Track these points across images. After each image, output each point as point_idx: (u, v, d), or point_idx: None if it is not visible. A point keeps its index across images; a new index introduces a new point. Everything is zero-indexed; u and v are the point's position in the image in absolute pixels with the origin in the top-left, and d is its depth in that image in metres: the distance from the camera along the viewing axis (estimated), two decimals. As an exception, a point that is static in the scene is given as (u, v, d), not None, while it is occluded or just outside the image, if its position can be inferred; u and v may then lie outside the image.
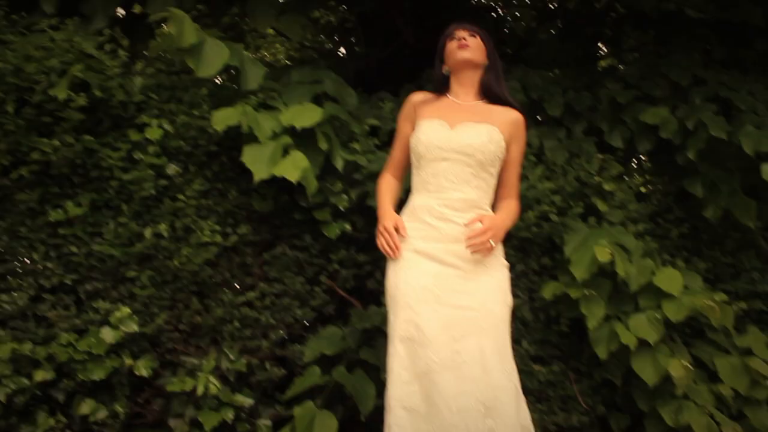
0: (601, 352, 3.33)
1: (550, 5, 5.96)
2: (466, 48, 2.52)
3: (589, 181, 3.65)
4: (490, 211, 2.52)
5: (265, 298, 3.16)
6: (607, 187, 3.68)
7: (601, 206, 3.65)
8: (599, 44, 5.35)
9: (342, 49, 6.37)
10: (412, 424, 2.22)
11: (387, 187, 2.63)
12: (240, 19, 5.61)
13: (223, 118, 2.98)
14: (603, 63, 6.12)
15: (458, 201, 2.39)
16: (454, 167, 2.40)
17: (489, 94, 2.56)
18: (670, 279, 3.42)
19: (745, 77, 4.00)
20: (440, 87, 2.63)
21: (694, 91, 3.90)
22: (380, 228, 2.48)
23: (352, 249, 3.26)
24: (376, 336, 3.18)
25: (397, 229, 2.43)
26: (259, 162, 2.95)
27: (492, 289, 2.37)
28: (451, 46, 2.57)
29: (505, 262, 2.52)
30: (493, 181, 2.51)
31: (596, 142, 3.89)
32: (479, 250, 2.33)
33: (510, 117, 2.52)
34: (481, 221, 2.36)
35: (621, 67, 5.19)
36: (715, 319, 3.49)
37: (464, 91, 2.57)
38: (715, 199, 3.73)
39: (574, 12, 5.60)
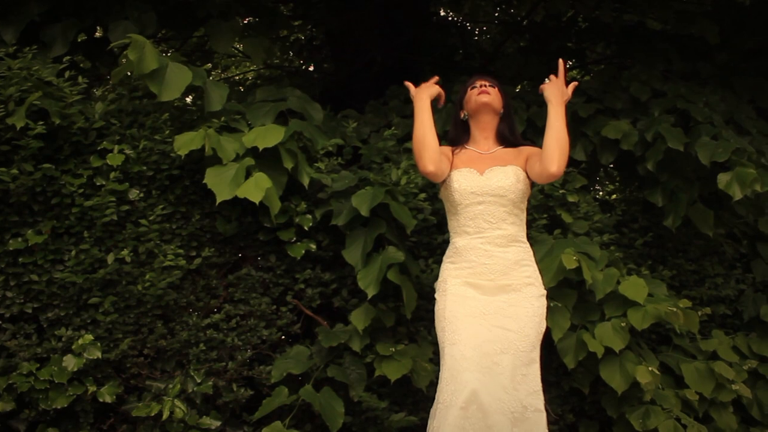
0: (569, 362, 3.38)
1: (517, 19, 6.04)
2: (486, 93, 2.71)
3: (554, 193, 3.70)
4: (528, 243, 2.70)
5: (231, 319, 3.17)
6: (571, 198, 3.74)
7: (566, 218, 3.70)
8: (565, 58, 5.41)
9: (311, 67, 6.41)
10: (456, 420, 2.35)
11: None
12: (207, 41, 5.63)
13: (185, 143, 3.01)
14: (571, 75, 6.21)
15: (499, 238, 2.58)
16: (490, 208, 2.58)
17: (505, 141, 2.75)
18: (634, 287, 3.47)
19: (703, 89, 4.09)
20: (461, 134, 2.80)
21: (654, 103, 3.97)
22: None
23: (317, 268, 3.28)
24: (343, 353, 3.20)
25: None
26: (221, 184, 2.98)
27: (530, 315, 2.55)
28: (472, 93, 2.74)
29: (543, 291, 2.66)
30: (524, 216, 2.71)
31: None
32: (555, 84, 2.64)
33: (524, 150, 2.73)
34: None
35: (587, 78, 5.26)
36: (680, 326, 3.55)
37: (484, 137, 2.75)
38: (675, 209, 3.80)
39: (541, 25, 5.69)
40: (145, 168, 3.08)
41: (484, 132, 2.75)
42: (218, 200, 2.93)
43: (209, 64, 6.06)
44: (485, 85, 2.73)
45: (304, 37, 6.29)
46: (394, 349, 3.13)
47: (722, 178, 3.57)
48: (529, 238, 3.49)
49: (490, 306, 2.53)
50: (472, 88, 2.75)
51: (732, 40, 4.55)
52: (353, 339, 3.14)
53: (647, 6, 4.47)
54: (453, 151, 2.74)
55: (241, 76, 6.67)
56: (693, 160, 3.65)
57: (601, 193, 6.24)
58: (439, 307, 2.60)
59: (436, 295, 2.65)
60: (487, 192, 2.58)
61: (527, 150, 2.72)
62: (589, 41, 5.26)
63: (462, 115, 2.79)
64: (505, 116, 2.77)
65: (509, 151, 2.72)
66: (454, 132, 2.84)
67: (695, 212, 3.86)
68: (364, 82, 5.16)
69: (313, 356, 3.20)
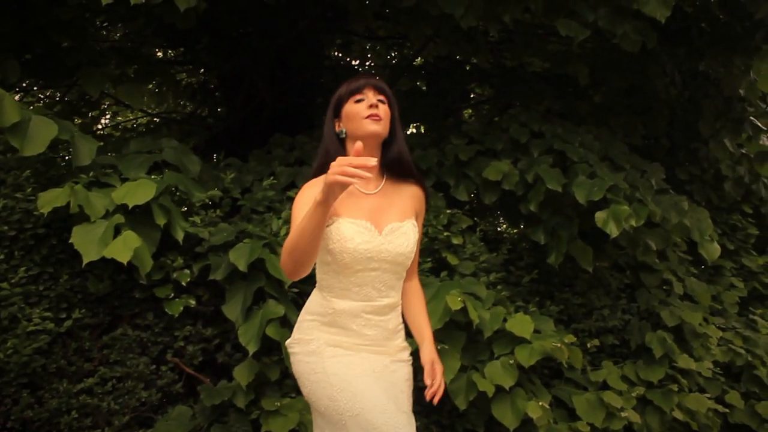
0: (461, 403, 3.40)
1: (409, 61, 6.15)
2: (377, 119, 2.09)
3: (439, 236, 3.74)
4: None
5: (107, 382, 3.01)
6: (455, 240, 3.78)
7: (452, 260, 3.74)
8: (452, 99, 5.54)
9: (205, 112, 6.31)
10: None
11: None
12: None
13: (49, 200, 2.88)
14: (466, 113, 6.38)
15: (385, 307, 2.17)
16: (383, 276, 2.14)
17: (392, 170, 2.20)
18: (521, 324, 3.54)
19: (579, 128, 4.25)
20: (335, 154, 2.09)
21: (533, 143, 4.10)
22: (331, 176, 1.78)
23: (198, 324, 3.18)
24: (228, 411, 3.10)
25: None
26: (89, 243, 2.85)
27: (408, 378, 2.26)
28: (358, 108, 2.11)
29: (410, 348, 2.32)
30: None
31: (445, 197, 4.01)
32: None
33: (417, 194, 2.25)
34: (434, 374, 2.25)
35: (471, 120, 5.40)
36: (565, 360, 3.63)
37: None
38: (556, 246, 3.91)
39: (434, 67, 5.82)
40: (6, 228, 2.91)
41: None
42: (85, 261, 2.81)
43: (97, 111, 5.89)
44: (376, 105, 2.10)
45: (197, 82, 6.19)
46: (279, 404, 3.06)
47: (599, 217, 3.70)
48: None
49: (376, 364, 2.14)
50: (358, 101, 2.11)
51: (606, 79, 4.78)
52: (237, 395, 3.05)
53: (525, 48, 4.64)
54: None
55: (134, 122, 6.50)
56: (572, 198, 3.77)
57: (504, 226, 6.38)
58: (315, 370, 2.11)
59: (301, 357, 2.16)
60: (385, 258, 2.11)
61: (418, 193, 2.25)
62: (475, 82, 5.40)
63: (338, 129, 2.15)
64: (394, 136, 2.17)
65: (401, 190, 2.21)
66: (332, 150, 2.14)
67: (575, 249, 3.97)
68: (257, 126, 5.12)
69: (196, 416, 3.09)
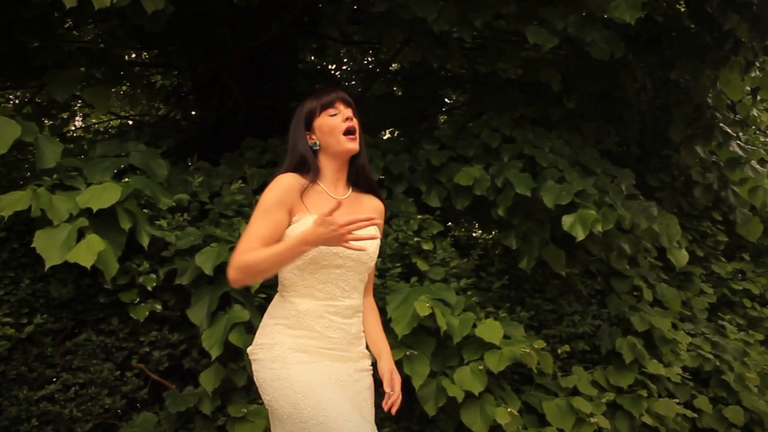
0: (430, 409, 3.39)
1: (383, 65, 6.15)
2: (355, 139, 2.19)
3: (409, 241, 3.73)
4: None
5: (69, 389, 2.97)
6: (426, 246, 3.77)
7: (422, 265, 3.74)
8: (426, 104, 5.55)
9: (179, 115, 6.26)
10: None
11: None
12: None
13: (10, 203, 2.83)
14: (442, 118, 6.39)
15: (348, 308, 2.22)
16: (347, 275, 2.19)
17: (358, 182, 2.31)
18: (490, 330, 3.54)
19: (550, 133, 4.27)
20: (311, 166, 2.21)
21: (504, 149, 4.11)
22: (328, 230, 1.94)
23: (164, 329, 3.14)
24: (194, 418, 3.07)
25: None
26: (52, 247, 2.81)
27: (370, 386, 2.27)
28: (334, 122, 2.20)
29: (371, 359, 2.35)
30: None
31: (416, 203, 4.00)
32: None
33: (379, 208, 2.36)
34: (392, 385, 2.27)
35: (444, 126, 5.40)
36: (535, 366, 3.64)
37: (337, 177, 2.26)
38: (528, 250, 3.92)
39: (409, 72, 5.82)
40: (-35, 232, 2.87)
41: (337, 173, 2.25)
42: (47, 265, 2.76)
43: (67, 113, 5.82)
44: (351, 118, 2.20)
45: (170, 85, 6.14)
46: (246, 410, 3.03)
47: (566, 220, 3.71)
48: (385, 287, 3.55)
49: (340, 372, 2.17)
50: (332, 115, 2.20)
51: (579, 86, 4.82)
52: (203, 402, 3.03)
53: (498, 54, 4.67)
54: (302, 187, 2.16)
55: (106, 124, 6.43)
56: (541, 203, 3.78)
57: (479, 231, 6.40)
58: (279, 377, 2.11)
59: (265, 363, 2.15)
60: (350, 255, 2.15)
61: (380, 207, 2.36)
62: (450, 88, 5.42)
63: (312, 142, 2.22)
64: (361, 150, 2.27)
65: (364, 201, 2.31)
66: (308, 157, 2.21)
67: (548, 253, 3.99)
68: (231, 130, 5.08)
69: (161, 423, 3.05)
